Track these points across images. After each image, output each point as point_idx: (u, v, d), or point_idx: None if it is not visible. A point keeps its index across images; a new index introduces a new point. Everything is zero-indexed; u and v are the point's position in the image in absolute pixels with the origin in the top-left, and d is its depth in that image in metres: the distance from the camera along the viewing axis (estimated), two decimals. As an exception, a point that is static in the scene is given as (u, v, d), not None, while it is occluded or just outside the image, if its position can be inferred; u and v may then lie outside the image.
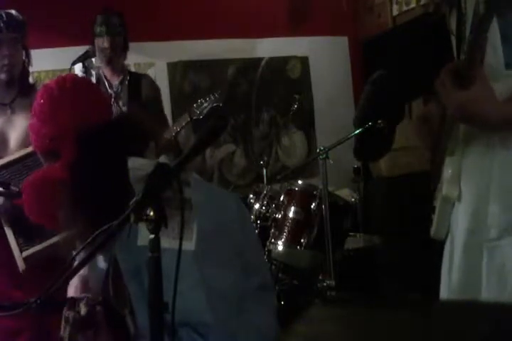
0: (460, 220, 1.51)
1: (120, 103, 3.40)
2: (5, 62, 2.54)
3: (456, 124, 1.51)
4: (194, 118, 3.47)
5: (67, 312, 1.65)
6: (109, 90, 3.42)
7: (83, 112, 1.68)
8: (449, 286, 1.53)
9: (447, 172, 1.53)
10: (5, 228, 2.38)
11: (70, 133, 1.65)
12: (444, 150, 1.55)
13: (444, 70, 1.42)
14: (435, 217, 1.59)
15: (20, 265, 2.35)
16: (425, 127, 1.59)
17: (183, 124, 3.50)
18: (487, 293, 1.42)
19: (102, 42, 3.38)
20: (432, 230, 1.62)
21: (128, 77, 3.51)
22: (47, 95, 1.71)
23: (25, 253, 2.35)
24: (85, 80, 1.90)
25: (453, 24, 1.53)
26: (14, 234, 2.37)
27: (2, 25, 2.49)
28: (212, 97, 3.50)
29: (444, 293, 1.56)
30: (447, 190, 1.52)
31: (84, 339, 1.66)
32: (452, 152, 1.52)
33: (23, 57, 2.65)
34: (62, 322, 1.65)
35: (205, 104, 3.48)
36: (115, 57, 3.44)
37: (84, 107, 1.70)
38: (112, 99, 3.37)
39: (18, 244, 2.36)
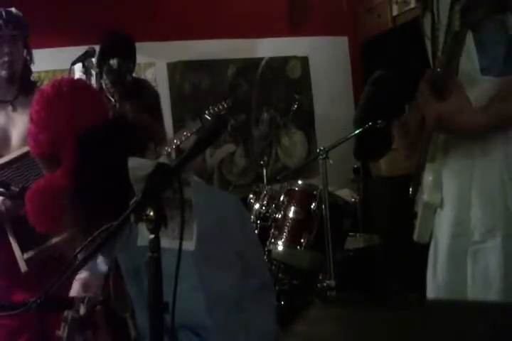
0: (443, 225, 1.52)
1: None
2: (5, 60, 2.54)
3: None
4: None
5: (66, 312, 1.65)
6: (112, 99, 3.40)
7: (81, 116, 1.67)
8: (434, 290, 1.55)
9: (428, 178, 1.55)
10: (7, 229, 2.38)
11: (69, 138, 1.63)
12: (425, 156, 1.57)
13: (422, 81, 1.45)
14: (417, 223, 1.62)
15: (22, 267, 2.35)
16: (403, 134, 1.62)
17: (194, 130, 3.50)
18: (472, 295, 1.43)
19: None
20: (415, 235, 1.65)
21: (129, 84, 3.48)
22: (43, 101, 1.68)
23: (26, 255, 2.35)
24: (81, 83, 1.87)
25: (427, 27, 1.56)
26: (16, 235, 2.37)
27: (1, 22, 2.49)
28: (225, 104, 3.50)
29: (431, 296, 1.58)
30: (429, 196, 1.55)
31: (83, 339, 1.66)
32: (433, 158, 1.54)
33: (25, 55, 2.65)
34: (62, 322, 1.65)
35: (218, 112, 3.47)
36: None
37: (81, 111, 1.68)
38: (116, 109, 3.35)
39: (20, 246, 2.36)
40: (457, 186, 1.49)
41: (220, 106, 3.49)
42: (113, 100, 3.38)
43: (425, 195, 1.56)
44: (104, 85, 3.40)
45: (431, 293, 1.59)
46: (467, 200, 1.46)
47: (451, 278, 1.49)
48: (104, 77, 3.35)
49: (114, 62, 3.29)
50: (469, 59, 1.43)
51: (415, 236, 1.65)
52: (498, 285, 1.40)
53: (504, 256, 1.40)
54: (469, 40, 1.42)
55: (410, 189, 1.71)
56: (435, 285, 1.55)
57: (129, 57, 3.40)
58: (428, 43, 1.60)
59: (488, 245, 1.42)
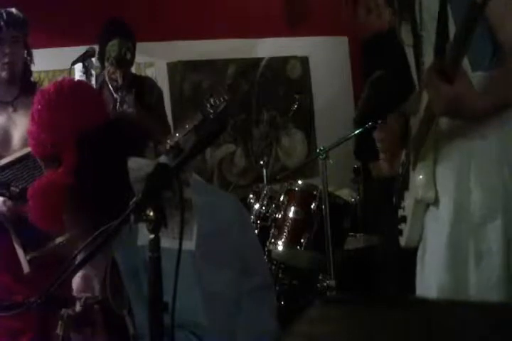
0: (442, 213, 1.53)
1: (125, 107, 3.38)
2: (5, 61, 2.54)
3: (428, 127, 1.55)
4: (208, 116, 3.47)
5: (63, 310, 1.65)
6: (114, 94, 3.40)
7: (82, 116, 1.67)
8: (431, 281, 1.56)
9: (418, 177, 1.56)
10: (10, 231, 2.39)
11: (70, 137, 1.64)
12: (416, 156, 1.59)
13: (429, 69, 1.46)
14: (408, 223, 1.63)
15: (25, 267, 2.35)
16: (387, 142, 1.65)
17: (196, 123, 3.49)
18: (475, 280, 1.45)
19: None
20: (404, 239, 1.66)
21: (132, 81, 3.47)
22: (44, 101, 1.69)
23: (29, 256, 2.35)
24: (82, 83, 1.89)
25: (404, 34, 1.59)
26: (18, 236, 2.37)
27: (2, 23, 2.50)
28: (225, 96, 3.50)
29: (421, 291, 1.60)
30: (423, 193, 1.56)
31: (80, 337, 1.66)
32: (423, 157, 1.56)
33: (25, 55, 2.65)
34: (59, 320, 1.66)
35: (219, 104, 3.47)
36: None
37: (82, 111, 1.68)
38: (117, 103, 3.34)
39: (23, 247, 2.36)
40: (455, 173, 1.51)
41: (221, 98, 3.49)
42: (115, 94, 3.37)
43: (419, 192, 1.57)
44: (106, 75, 3.39)
45: (421, 288, 1.61)
46: (466, 186, 1.48)
47: (453, 264, 1.50)
48: (107, 64, 3.34)
49: (114, 42, 3.29)
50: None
51: (404, 242, 1.66)
52: (501, 268, 1.42)
53: (505, 238, 1.42)
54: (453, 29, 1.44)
55: (393, 197, 1.73)
56: (433, 276, 1.56)
57: (127, 37, 3.39)
58: (409, 51, 1.62)
59: (489, 227, 1.44)
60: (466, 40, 1.34)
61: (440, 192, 1.54)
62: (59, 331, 1.64)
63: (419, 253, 1.64)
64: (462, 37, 1.35)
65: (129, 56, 3.39)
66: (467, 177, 1.48)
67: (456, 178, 1.50)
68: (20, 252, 2.35)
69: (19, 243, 2.36)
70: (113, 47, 3.30)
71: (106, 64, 3.35)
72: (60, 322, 1.65)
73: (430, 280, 1.57)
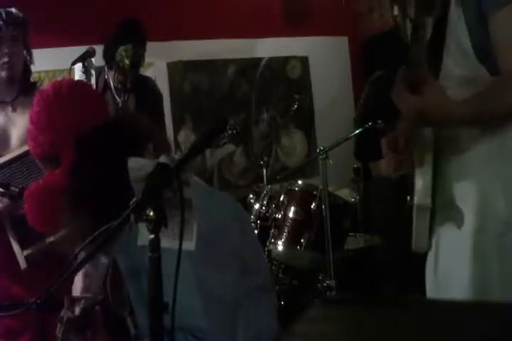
0: (463, 224, 1.52)
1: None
2: (5, 60, 2.54)
3: (420, 135, 1.55)
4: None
5: (62, 312, 1.65)
6: (117, 99, 3.38)
7: (80, 116, 1.67)
8: (461, 286, 1.54)
9: (418, 183, 1.56)
10: (6, 227, 2.39)
11: (68, 139, 1.64)
12: (413, 162, 1.58)
13: (397, 80, 1.46)
14: (413, 228, 1.62)
15: (22, 263, 2.36)
16: (392, 149, 1.65)
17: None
18: (502, 290, 1.44)
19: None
20: (413, 243, 1.65)
21: (134, 82, 3.43)
22: (43, 102, 1.69)
23: (26, 252, 2.36)
24: (81, 84, 1.88)
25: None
26: (15, 232, 2.37)
27: (1, 23, 2.50)
28: (230, 132, 3.52)
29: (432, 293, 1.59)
30: (420, 199, 1.55)
31: (80, 339, 1.66)
32: (421, 163, 1.55)
33: (25, 55, 2.65)
34: (58, 322, 1.65)
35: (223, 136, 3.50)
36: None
37: (81, 112, 1.68)
38: (119, 108, 3.31)
39: (20, 243, 2.36)
40: (474, 182, 1.49)
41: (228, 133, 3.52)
42: (117, 99, 3.36)
43: (416, 199, 1.56)
44: (111, 77, 3.37)
45: (432, 291, 1.60)
46: (487, 194, 1.46)
47: (477, 274, 1.48)
48: (116, 67, 3.31)
49: (128, 47, 3.26)
50: (455, 64, 1.44)
51: (413, 245, 1.66)
52: None
53: None
54: (465, 40, 1.43)
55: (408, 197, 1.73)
56: (459, 281, 1.54)
57: (141, 42, 3.39)
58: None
59: None
60: (418, 54, 1.34)
61: (459, 202, 1.53)
62: (58, 333, 1.64)
63: (430, 259, 1.63)
64: (415, 52, 1.35)
65: (141, 61, 3.39)
66: (488, 186, 1.47)
67: (476, 188, 1.48)
68: (16, 248, 2.35)
69: (16, 239, 2.36)
70: (127, 52, 3.25)
71: (115, 67, 3.32)
72: (59, 325, 1.65)
73: (451, 290, 1.55)
